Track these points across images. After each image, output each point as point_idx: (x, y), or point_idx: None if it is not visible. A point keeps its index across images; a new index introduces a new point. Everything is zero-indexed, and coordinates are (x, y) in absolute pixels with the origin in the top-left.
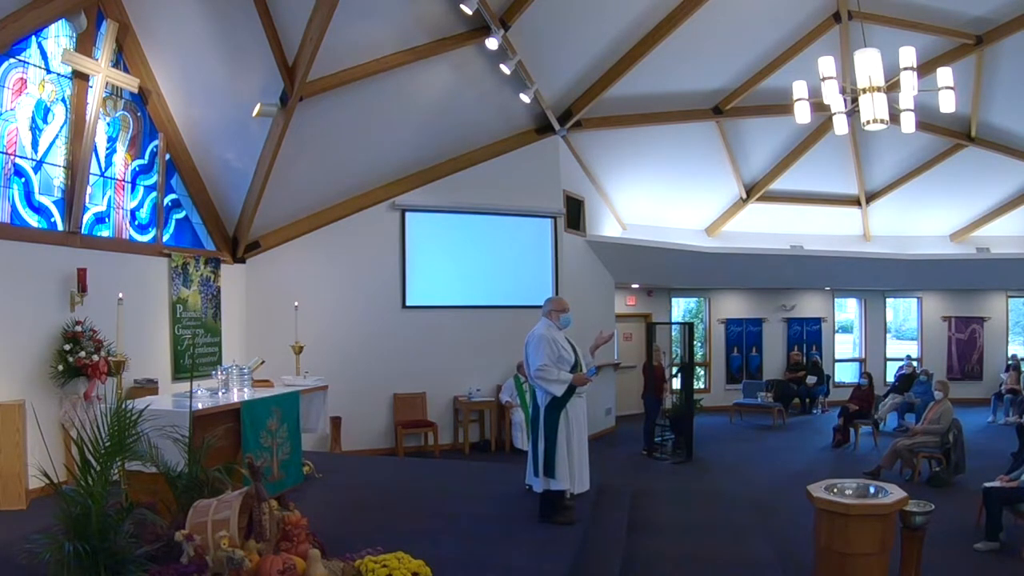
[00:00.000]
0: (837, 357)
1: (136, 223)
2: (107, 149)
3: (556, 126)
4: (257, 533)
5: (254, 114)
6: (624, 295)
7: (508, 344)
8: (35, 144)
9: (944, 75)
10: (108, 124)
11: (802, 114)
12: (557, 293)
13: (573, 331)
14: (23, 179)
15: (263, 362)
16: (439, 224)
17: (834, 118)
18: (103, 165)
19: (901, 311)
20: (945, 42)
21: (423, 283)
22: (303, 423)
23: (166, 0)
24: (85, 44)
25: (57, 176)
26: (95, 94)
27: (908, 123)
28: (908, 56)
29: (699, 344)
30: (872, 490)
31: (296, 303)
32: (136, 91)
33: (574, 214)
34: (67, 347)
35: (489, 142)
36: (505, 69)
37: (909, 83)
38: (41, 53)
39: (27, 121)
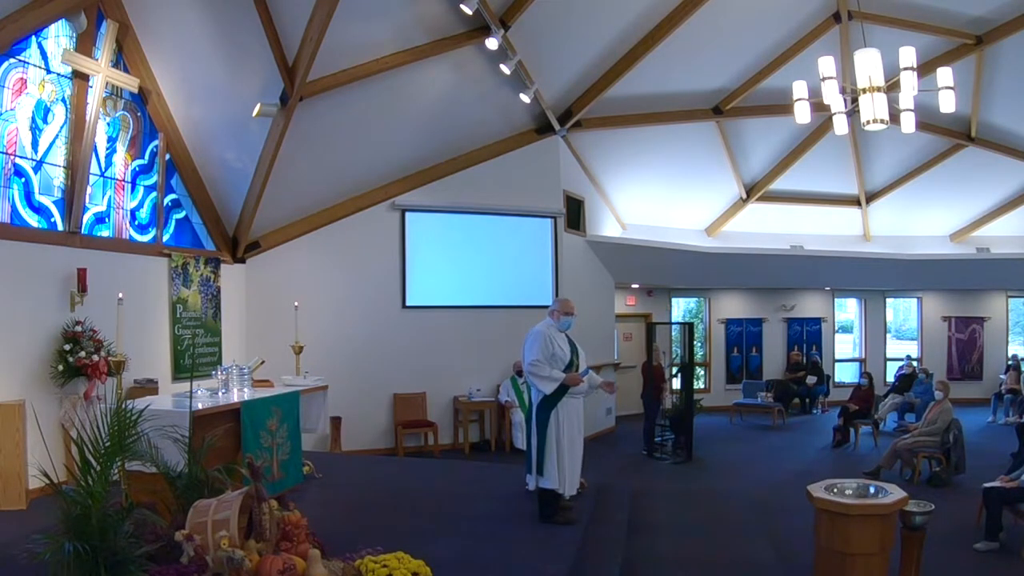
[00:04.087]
0: (837, 357)
1: (136, 223)
2: (107, 149)
3: (556, 126)
4: (257, 533)
5: (254, 114)
6: (624, 295)
7: (508, 344)
8: (35, 144)
9: (944, 75)
10: (108, 124)
11: (802, 114)
12: (557, 293)
13: (573, 331)
14: (23, 179)
15: (263, 362)
16: (439, 224)
17: (834, 118)
18: (103, 165)
19: (901, 311)
20: (945, 42)
21: (423, 283)
22: (303, 423)
23: (166, 0)
24: (85, 44)
25: (57, 176)
26: (95, 94)
27: (908, 123)
28: (908, 56)
29: (699, 344)
30: (872, 490)
31: (296, 303)
32: (136, 91)
33: (574, 214)
34: (67, 347)
35: (489, 142)
36: (505, 69)
37: (909, 83)
38: (41, 53)
39: (27, 121)
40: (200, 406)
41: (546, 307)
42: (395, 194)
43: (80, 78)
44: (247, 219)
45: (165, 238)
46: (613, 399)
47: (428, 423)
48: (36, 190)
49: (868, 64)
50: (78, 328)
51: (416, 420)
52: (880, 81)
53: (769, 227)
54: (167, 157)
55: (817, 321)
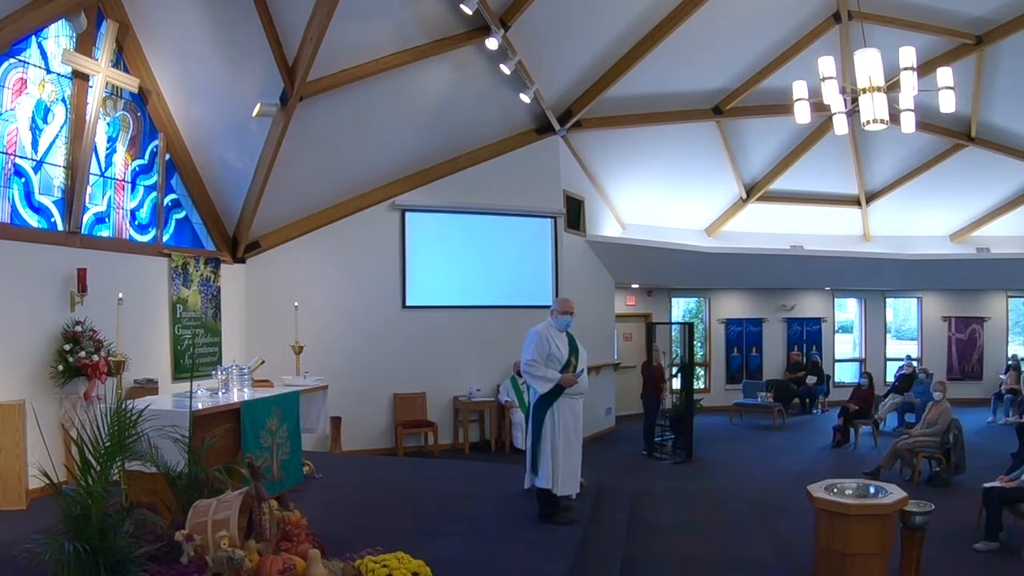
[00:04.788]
0: (837, 357)
1: (136, 223)
2: (107, 149)
3: (556, 126)
4: (257, 533)
5: (254, 114)
6: (624, 295)
7: (508, 344)
8: (35, 144)
9: (944, 75)
10: (108, 124)
11: (802, 114)
12: (557, 293)
13: (574, 331)
14: (23, 179)
15: (263, 362)
16: (439, 224)
17: (834, 118)
18: (103, 165)
19: (901, 311)
20: (945, 42)
21: (423, 283)
22: (303, 423)
23: (166, 0)
24: (85, 44)
25: (57, 176)
26: (95, 94)
27: (908, 123)
28: (908, 56)
29: (699, 344)
30: (872, 490)
31: (296, 303)
32: (136, 91)
33: (574, 214)
34: (67, 347)
35: (489, 142)
36: (505, 69)
37: (909, 83)
38: (41, 53)
39: (27, 121)
40: (200, 406)
41: (546, 307)
42: (395, 194)
43: (80, 78)
44: (247, 219)
45: (165, 238)
46: (613, 399)
47: (428, 423)
48: (36, 190)
49: (868, 64)
50: (78, 328)
51: (416, 420)
52: (880, 81)
53: (769, 227)
54: (167, 157)
55: (817, 321)
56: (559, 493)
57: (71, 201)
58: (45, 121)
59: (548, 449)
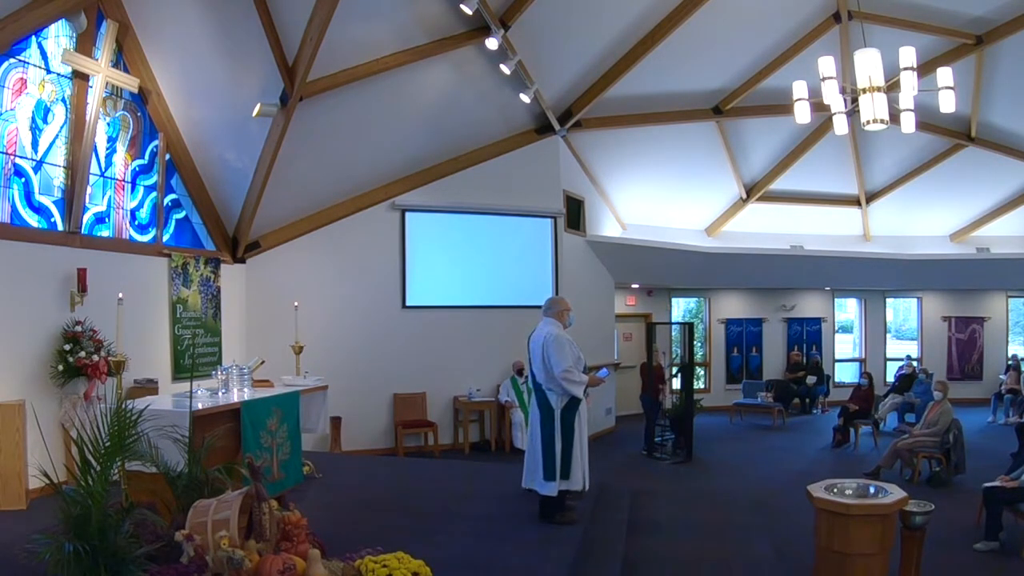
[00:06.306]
0: (837, 357)
1: (136, 223)
2: (107, 149)
3: (556, 126)
4: (257, 533)
5: (254, 114)
6: (624, 295)
7: (508, 344)
8: (35, 144)
9: (944, 75)
10: (108, 124)
11: (802, 114)
12: (557, 293)
13: (571, 330)
14: (23, 179)
15: (263, 362)
16: (439, 224)
17: (834, 118)
18: (103, 165)
19: (901, 311)
20: (945, 42)
21: (423, 283)
22: (303, 423)
23: (166, 0)
24: (85, 44)
25: (57, 176)
26: (95, 94)
27: (908, 123)
28: (908, 56)
29: (699, 344)
30: (872, 490)
31: (296, 303)
32: (136, 91)
33: (574, 214)
34: (67, 347)
35: (489, 142)
36: (505, 69)
37: (909, 83)
38: (41, 53)
39: (27, 121)
40: (200, 406)
41: None
42: (395, 194)
43: (80, 78)
44: (247, 219)
45: (165, 238)
46: (613, 399)
47: (428, 423)
48: (36, 190)
49: (868, 64)
50: (78, 328)
51: (416, 420)
52: (880, 81)
53: (769, 227)
54: (167, 157)
55: (817, 321)
56: (583, 489)
57: (71, 201)
58: (45, 121)
59: (578, 451)
